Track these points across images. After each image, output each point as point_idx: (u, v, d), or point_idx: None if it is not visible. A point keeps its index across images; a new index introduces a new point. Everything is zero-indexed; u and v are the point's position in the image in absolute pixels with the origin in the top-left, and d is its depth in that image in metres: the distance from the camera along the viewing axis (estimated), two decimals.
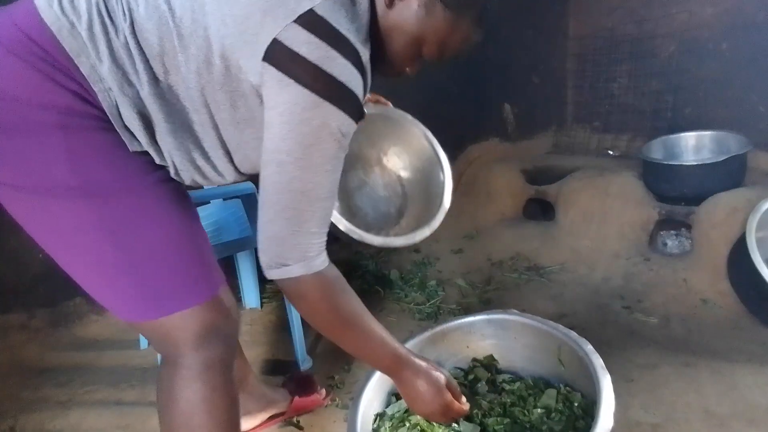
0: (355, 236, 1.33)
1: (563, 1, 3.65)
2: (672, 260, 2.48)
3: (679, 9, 3.11)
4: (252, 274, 2.33)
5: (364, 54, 0.85)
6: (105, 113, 0.84)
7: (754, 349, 1.88)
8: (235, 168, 1.00)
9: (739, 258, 2.12)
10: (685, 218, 2.48)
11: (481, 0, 0.92)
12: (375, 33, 0.92)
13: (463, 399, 1.16)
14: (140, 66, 0.84)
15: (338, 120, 0.83)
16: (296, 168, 0.84)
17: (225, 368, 1.00)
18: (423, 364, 1.10)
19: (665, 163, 2.62)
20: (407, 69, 1.00)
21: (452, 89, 3.34)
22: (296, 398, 1.61)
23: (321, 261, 0.92)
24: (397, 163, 1.63)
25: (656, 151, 2.82)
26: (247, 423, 1.56)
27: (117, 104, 0.84)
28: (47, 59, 0.80)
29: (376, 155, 1.64)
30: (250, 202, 1.81)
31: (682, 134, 2.87)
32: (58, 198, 0.83)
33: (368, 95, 1.39)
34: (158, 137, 0.90)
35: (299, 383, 1.66)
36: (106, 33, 0.82)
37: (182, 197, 0.98)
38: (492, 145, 3.61)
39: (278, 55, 0.80)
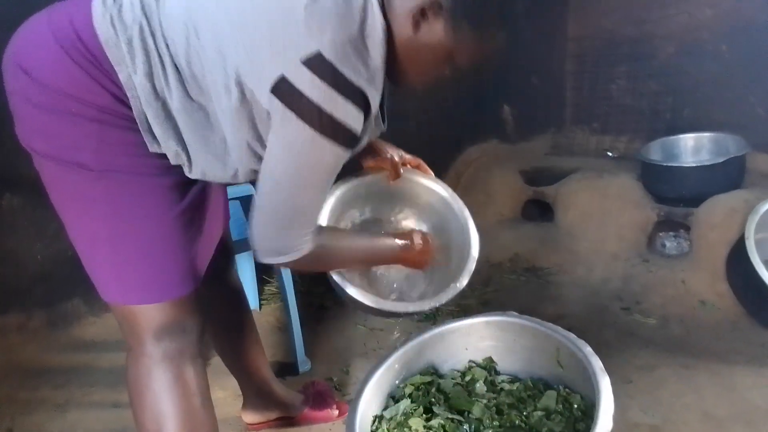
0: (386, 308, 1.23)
1: (562, 2, 3.65)
2: (670, 261, 2.48)
3: (678, 10, 3.11)
4: (251, 276, 2.33)
5: (370, 90, 0.90)
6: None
7: (753, 351, 1.88)
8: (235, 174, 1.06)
9: (737, 259, 2.13)
10: (684, 220, 2.48)
11: (495, 16, 0.99)
12: (398, 55, 0.96)
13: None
14: (173, 83, 0.91)
15: (334, 153, 0.91)
16: (292, 187, 0.93)
17: (186, 361, 1.05)
18: (406, 239, 1.25)
19: (664, 164, 2.62)
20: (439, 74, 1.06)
21: (451, 91, 3.34)
22: (307, 410, 1.60)
23: (311, 244, 1.00)
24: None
25: (655, 152, 2.82)
26: (248, 416, 1.58)
27: (144, 111, 0.92)
28: (94, 63, 0.89)
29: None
30: (248, 205, 1.81)
31: (681, 136, 2.87)
32: (78, 173, 0.92)
33: (409, 158, 1.41)
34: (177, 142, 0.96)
35: (315, 395, 1.65)
36: (144, 48, 0.89)
37: (192, 201, 1.03)
38: (491, 147, 3.61)
39: (284, 90, 0.85)
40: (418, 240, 1.26)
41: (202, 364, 1.10)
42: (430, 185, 1.45)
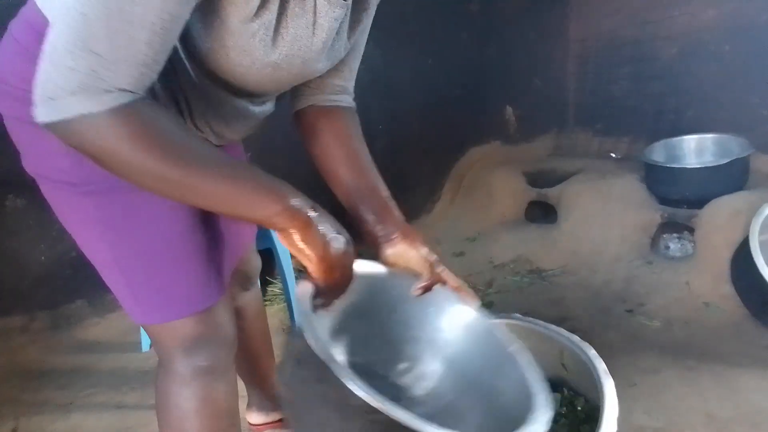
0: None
1: (564, 3, 3.65)
2: (674, 263, 2.47)
3: (680, 11, 3.11)
4: None
5: None
6: None
7: (757, 353, 1.87)
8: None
9: (741, 261, 2.12)
10: (688, 221, 2.48)
11: None
12: None
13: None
14: None
15: None
16: None
17: (217, 377, 0.99)
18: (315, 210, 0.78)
19: (667, 166, 2.62)
20: None
21: (454, 92, 3.34)
22: None
23: (116, 96, 0.64)
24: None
25: (658, 153, 2.82)
26: (253, 417, 1.58)
27: None
28: None
29: None
30: None
31: (684, 137, 2.86)
32: (67, 191, 0.85)
33: (451, 277, 1.05)
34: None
35: None
36: None
37: None
38: (493, 148, 3.61)
39: None
40: (332, 228, 0.80)
41: (234, 380, 1.05)
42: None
